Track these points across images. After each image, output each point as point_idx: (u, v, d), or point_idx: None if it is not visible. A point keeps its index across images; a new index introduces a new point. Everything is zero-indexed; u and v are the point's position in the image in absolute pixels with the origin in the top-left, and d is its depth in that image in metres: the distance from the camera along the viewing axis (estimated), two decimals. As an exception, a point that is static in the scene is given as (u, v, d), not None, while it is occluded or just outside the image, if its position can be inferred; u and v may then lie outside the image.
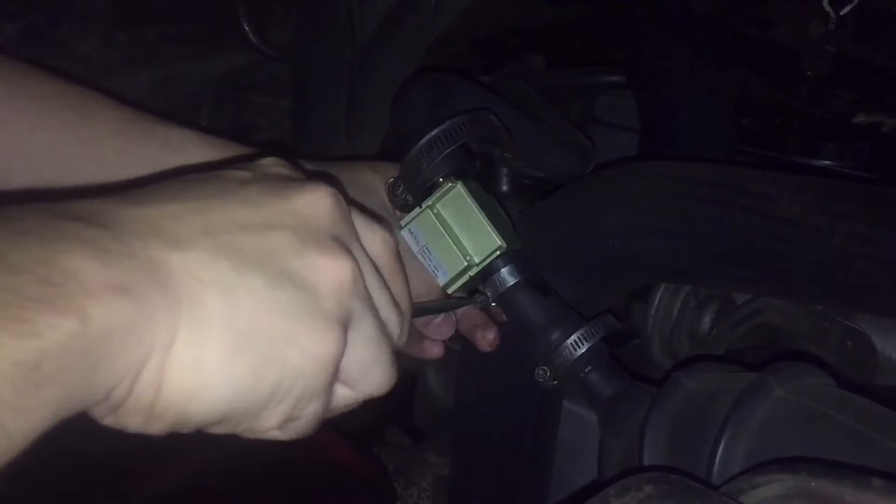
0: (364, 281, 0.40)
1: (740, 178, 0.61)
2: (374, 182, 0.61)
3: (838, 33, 0.88)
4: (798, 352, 0.74)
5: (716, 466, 0.48)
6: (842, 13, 0.84)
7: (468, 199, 0.57)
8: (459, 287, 0.59)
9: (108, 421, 0.35)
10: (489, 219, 0.57)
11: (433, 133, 0.56)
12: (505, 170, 0.90)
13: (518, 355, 0.64)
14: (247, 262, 0.35)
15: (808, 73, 0.96)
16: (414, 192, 0.58)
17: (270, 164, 0.42)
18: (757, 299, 0.77)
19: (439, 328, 0.62)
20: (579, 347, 0.57)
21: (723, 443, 0.48)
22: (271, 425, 0.38)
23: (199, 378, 0.34)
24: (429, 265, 0.58)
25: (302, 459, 0.82)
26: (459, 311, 0.63)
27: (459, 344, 0.71)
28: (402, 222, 0.59)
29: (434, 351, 0.66)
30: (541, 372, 0.59)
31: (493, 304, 0.60)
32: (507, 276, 0.59)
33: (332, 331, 0.37)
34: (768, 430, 0.48)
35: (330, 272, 0.38)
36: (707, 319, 0.76)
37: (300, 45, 0.94)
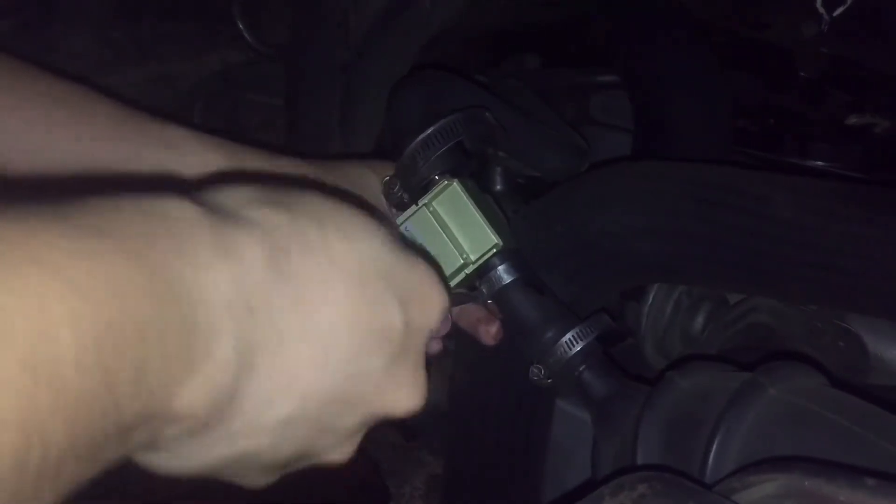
0: None
1: (734, 178, 0.61)
2: (370, 180, 0.61)
3: (832, 34, 0.88)
4: (791, 352, 0.74)
5: (709, 466, 0.48)
6: (835, 14, 0.84)
7: (464, 197, 0.57)
8: (456, 285, 0.59)
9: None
10: (485, 217, 0.57)
11: (429, 131, 0.56)
12: (499, 169, 0.90)
13: (512, 354, 0.64)
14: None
15: (802, 74, 0.97)
16: (410, 191, 0.58)
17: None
18: (750, 299, 0.77)
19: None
20: (573, 346, 0.57)
21: (716, 442, 0.48)
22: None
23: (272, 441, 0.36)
24: None
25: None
26: (458, 307, 0.63)
27: (454, 342, 0.71)
28: (399, 220, 0.59)
29: (433, 347, 0.66)
30: (535, 370, 0.59)
31: (488, 301, 0.60)
32: (502, 274, 0.59)
33: (352, 445, 0.42)
34: (761, 429, 0.48)
35: (404, 404, 0.42)
36: (700, 319, 0.76)
37: (294, 43, 0.94)
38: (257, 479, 0.40)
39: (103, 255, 0.27)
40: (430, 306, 0.41)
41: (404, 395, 0.40)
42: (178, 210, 0.31)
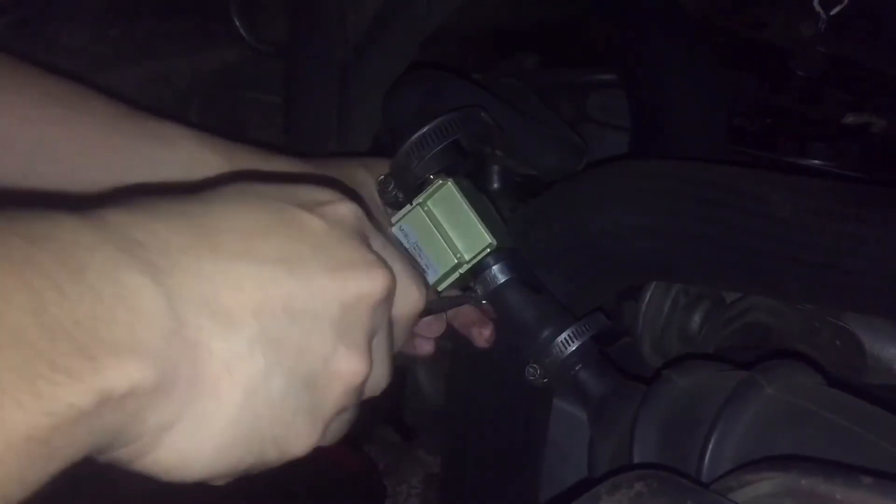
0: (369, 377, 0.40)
1: (731, 177, 0.61)
2: (365, 179, 0.61)
3: (829, 34, 0.88)
4: (788, 351, 0.74)
5: (706, 464, 0.48)
6: (832, 14, 0.84)
7: (459, 197, 0.57)
8: (450, 284, 0.59)
9: (102, 460, 0.34)
10: (480, 216, 0.57)
11: (423, 130, 0.56)
12: (496, 167, 0.90)
13: (509, 353, 0.64)
14: (278, 362, 0.35)
15: (799, 73, 0.97)
16: (404, 190, 0.58)
17: (348, 213, 0.42)
18: (747, 298, 0.77)
19: (430, 326, 0.62)
20: (569, 345, 0.57)
21: (713, 441, 0.48)
22: (270, 460, 0.38)
23: (186, 463, 0.34)
24: (419, 262, 0.58)
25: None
26: (427, 317, 0.62)
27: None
28: (393, 220, 0.59)
29: (425, 348, 0.66)
30: (531, 370, 0.59)
31: (483, 301, 0.60)
32: (497, 273, 0.59)
33: (315, 433, 0.38)
34: (758, 428, 0.49)
35: (346, 379, 0.38)
36: (697, 318, 0.76)
37: (292, 41, 0.94)
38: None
39: None
40: (364, 279, 0.39)
41: (352, 367, 0.38)
42: (62, 229, 0.31)
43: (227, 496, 0.75)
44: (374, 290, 0.39)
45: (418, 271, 0.49)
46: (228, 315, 0.34)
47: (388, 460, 1.01)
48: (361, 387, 0.40)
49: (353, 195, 0.44)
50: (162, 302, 0.32)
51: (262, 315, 0.35)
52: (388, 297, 0.41)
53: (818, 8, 0.84)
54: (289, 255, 0.37)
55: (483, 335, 0.63)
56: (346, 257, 0.39)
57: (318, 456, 0.86)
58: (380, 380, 0.43)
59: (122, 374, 0.29)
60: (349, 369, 0.38)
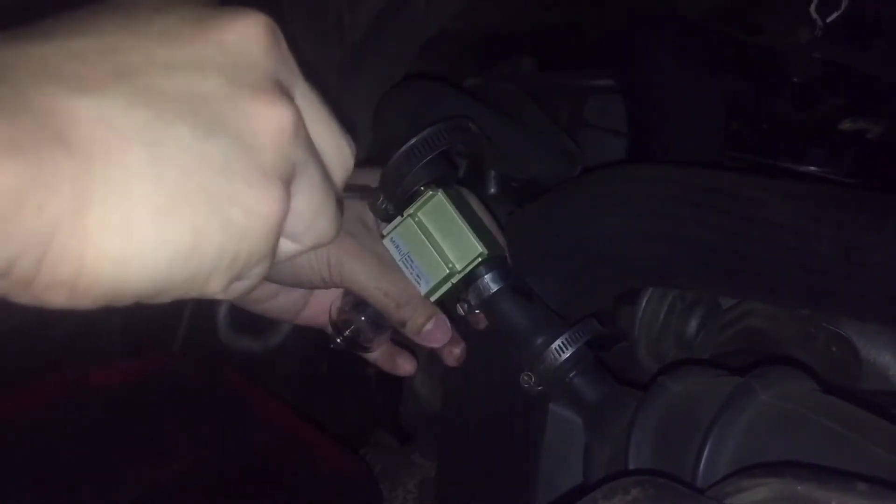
0: (306, 127, 0.36)
1: (727, 182, 0.62)
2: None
3: (825, 40, 0.89)
4: (783, 356, 0.74)
5: (701, 470, 0.48)
6: (829, 20, 0.85)
7: (449, 208, 0.57)
8: (442, 295, 0.59)
9: (23, 299, 0.30)
10: (471, 226, 0.57)
11: (410, 143, 0.56)
12: (493, 173, 0.90)
13: (504, 359, 0.64)
14: (171, 110, 0.31)
15: (795, 79, 0.97)
16: (394, 202, 0.58)
17: (246, 41, 0.35)
18: (743, 303, 0.78)
19: (432, 335, 0.61)
20: (563, 352, 0.57)
21: (708, 447, 0.48)
22: (216, 290, 0.34)
23: (131, 242, 0.30)
24: (411, 273, 0.58)
25: (288, 460, 0.82)
26: (428, 326, 0.61)
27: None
28: (384, 231, 0.59)
29: (406, 367, 0.66)
30: (525, 378, 0.59)
31: (476, 311, 0.60)
32: (489, 282, 0.59)
33: (274, 188, 0.33)
34: (753, 434, 0.49)
35: (268, 120, 0.33)
36: (693, 323, 0.76)
37: (289, 45, 0.94)
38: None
39: None
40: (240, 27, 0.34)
41: (269, 107, 0.33)
42: None
43: (222, 500, 0.75)
44: (259, 35, 0.34)
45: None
46: (80, 79, 0.29)
47: (384, 464, 1.01)
48: (296, 132, 0.34)
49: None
50: None
51: (127, 74, 0.30)
52: (282, 46, 0.36)
53: (814, 14, 0.85)
54: (136, 23, 0.32)
55: (453, 353, 0.63)
56: (206, 10, 0.34)
57: (314, 459, 0.86)
58: (318, 215, 0.38)
59: None
60: (268, 110, 0.33)
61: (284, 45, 0.36)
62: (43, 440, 0.71)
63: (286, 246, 0.38)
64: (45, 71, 0.29)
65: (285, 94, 0.35)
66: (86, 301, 0.31)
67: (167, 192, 0.30)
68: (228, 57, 0.33)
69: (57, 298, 0.30)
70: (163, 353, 0.95)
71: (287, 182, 0.34)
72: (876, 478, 0.38)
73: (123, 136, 0.29)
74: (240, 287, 0.36)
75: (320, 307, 0.64)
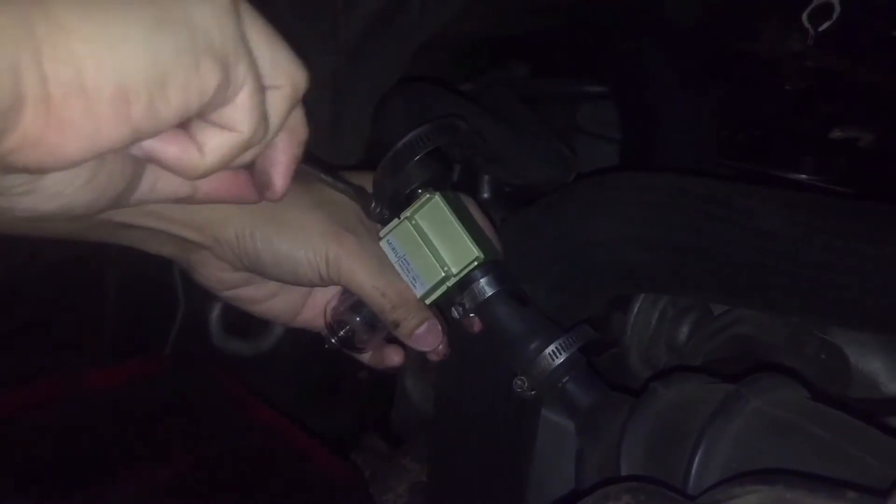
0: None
1: (720, 190, 0.62)
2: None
3: (817, 48, 0.89)
4: (774, 364, 0.75)
5: (692, 477, 0.48)
6: (821, 29, 0.85)
7: (446, 211, 0.58)
8: (437, 298, 0.59)
9: (55, 139, 0.33)
10: (467, 230, 0.58)
11: (399, 144, 0.57)
12: (487, 177, 0.90)
13: (497, 363, 0.64)
14: None
15: (787, 87, 0.97)
16: (388, 203, 0.58)
17: None
18: (734, 310, 0.78)
19: (423, 339, 0.61)
20: (557, 357, 0.57)
21: (699, 454, 0.48)
22: (212, 81, 0.36)
23: (100, 17, 0.32)
24: (407, 276, 0.58)
25: (279, 464, 0.82)
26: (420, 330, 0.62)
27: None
28: (381, 234, 0.59)
29: (394, 359, 0.66)
30: (518, 382, 0.59)
31: (471, 315, 0.60)
32: (485, 286, 0.59)
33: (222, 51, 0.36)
34: (744, 441, 0.49)
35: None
36: (685, 329, 0.77)
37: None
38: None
39: None
40: None
41: None
42: None
43: (217, 502, 0.75)
44: None
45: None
46: None
47: (375, 468, 1.01)
48: (231, 4, 0.37)
49: None
50: None
51: None
52: None
53: (806, 23, 0.85)
54: None
55: (438, 352, 0.63)
56: None
57: (305, 463, 0.86)
58: (275, 47, 0.40)
59: None
60: None
61: None
62: (37, 442, 0.71)
63: (271, 96, 0.40)
64: None
65: None
66: (106, 109, 0.33)
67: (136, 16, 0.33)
68: None
69: (78, 115, 0.32)
70: (155, 355, 0.95)
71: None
72: (865, 486, 0.38)
73: None
74: (244, 105, 0.38)
75: (318, 310, 0.64)
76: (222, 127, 0.39)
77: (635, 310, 0.75)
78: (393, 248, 0.58)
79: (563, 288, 0.67)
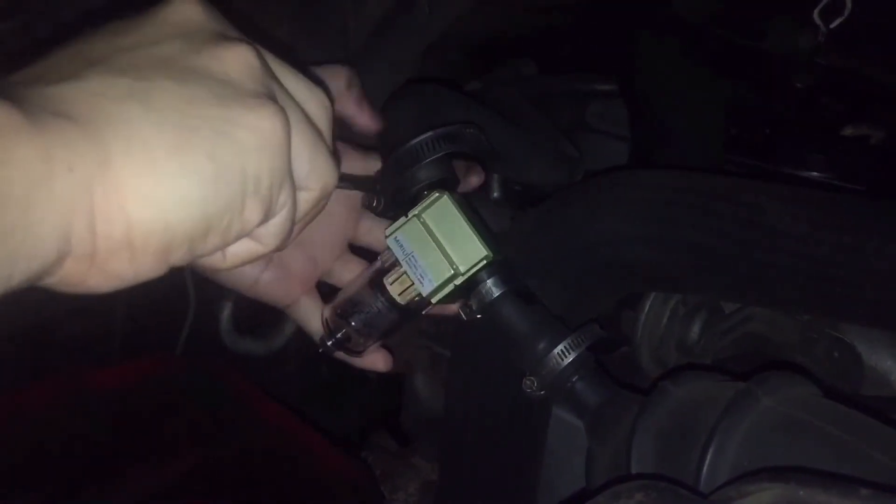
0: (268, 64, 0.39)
1: (729, 187, 0.62)
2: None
3: (828, 45, 0.89)
4: (785, 361, 0.75)
5: (703, 475, 0.48)
6: (832, 26, 0.85)
7: (456, 210, 0.58)
8: (445, 296, 0.59)
9: (93, 281, 0.34)
10: (475, 229, 0.58)
11: (416, 141, 0.57)
12: (496, 177, 0.90)
13: (506, 363, 0.64)
14: (147, 70, 0.35)
15: (798, 84, 0.97)
16: (391, 197, 0.59)
17: (185, 12, 0.39)
18: (745, 308, 0.78)
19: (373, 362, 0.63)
20: (566, 357, 0.57)
21: (710, 452, 0.48)
22: (255, 219, 0.37)
23: (159, 179, 0.33)
24: (414, 273, 0.58)
25: (290, 463, 0.82)
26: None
27: (448, 349, 0.71)
28: (388, 231, 0.59)
29: (378, 365, 0.65)
30: (528, 382, 0.59)
31: (478, 315, 0.60)
32: (492, 286, 0.59)
33: (269, 103, 0.37)
34: (755, 439, 0.49)
35: (235, 56, 0.37)
36: (695, 328, 0.77)
37: (292, 48, 0.94)
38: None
39: None
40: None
41: (260, 116, 0.37)
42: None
43: (225, 501, 0.75)
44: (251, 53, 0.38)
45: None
46: (59, 71, 0.34)
47: (385, 467, 1.01)
48: (263, 63, 0.39)
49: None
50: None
51: (99, 61, 0.35)
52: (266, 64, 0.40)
53: (818, 20, 0.85)
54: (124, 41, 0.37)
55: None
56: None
57: (315, 461, 0.86)
58: (314, 153, 0.41)
59: None
60: (231, 51, 0.37)
61: (216, 10, 0.40)
62: (45, 441, 0.71)
63: (301, 195, 0.41)
64: (34, 79, 0.33)
65: (235, 39, 0.39)
66: (148, 260, 0.34)
67: (172, 129, 0.34)
68: (177, 28, 0.37)
69: (121, 265, 0.34)
70: (165, 354, 0.95)
71: (274, 99, 0.38)
72: (878, 483, 0.38)
73: (115, 99, 0.33)
74: (276, 228, 0.40)
75: (281, 272, 0.61)
76: (250, 238, 0.41)
77: (646, 308, 0.75)
78: (400, 245, 0.58)
79: (572, 286, 0.67)
